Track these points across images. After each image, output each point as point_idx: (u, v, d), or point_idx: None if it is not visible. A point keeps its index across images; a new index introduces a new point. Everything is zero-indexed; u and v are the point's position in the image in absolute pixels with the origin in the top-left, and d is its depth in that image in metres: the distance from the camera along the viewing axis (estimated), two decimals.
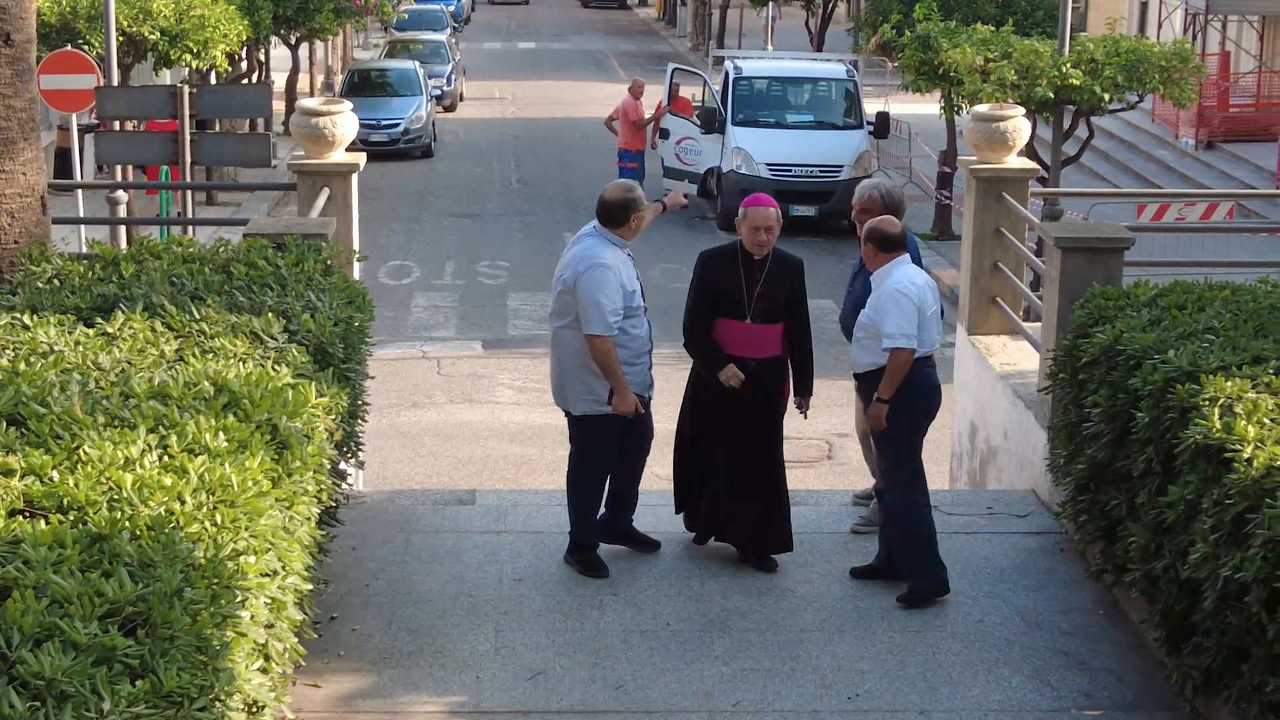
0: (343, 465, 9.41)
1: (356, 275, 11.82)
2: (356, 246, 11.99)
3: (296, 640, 7.29)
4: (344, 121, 12.07)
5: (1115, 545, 8.94)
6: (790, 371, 9.73)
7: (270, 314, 8.66)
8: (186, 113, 14.83)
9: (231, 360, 8.00)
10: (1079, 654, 8.78)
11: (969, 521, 10.60)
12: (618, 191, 9.55)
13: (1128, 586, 8.77)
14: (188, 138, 14.80)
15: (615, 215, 9.45)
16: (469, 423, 16.41)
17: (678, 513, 10.12)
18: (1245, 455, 7.25)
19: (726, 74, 28.85)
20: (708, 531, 10.01)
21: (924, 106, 31.57)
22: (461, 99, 43.64)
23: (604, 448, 9.76)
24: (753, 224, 9.48)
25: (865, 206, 10.04)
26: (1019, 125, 12.73)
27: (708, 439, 9.82)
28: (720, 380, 9.51)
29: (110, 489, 6.36)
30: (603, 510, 9.94)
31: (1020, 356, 12.30)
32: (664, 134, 28.53)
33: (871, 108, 29.98)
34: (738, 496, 9.74)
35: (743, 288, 9.49)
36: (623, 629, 8.94)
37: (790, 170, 26.68)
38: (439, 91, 39.60)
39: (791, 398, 9.81)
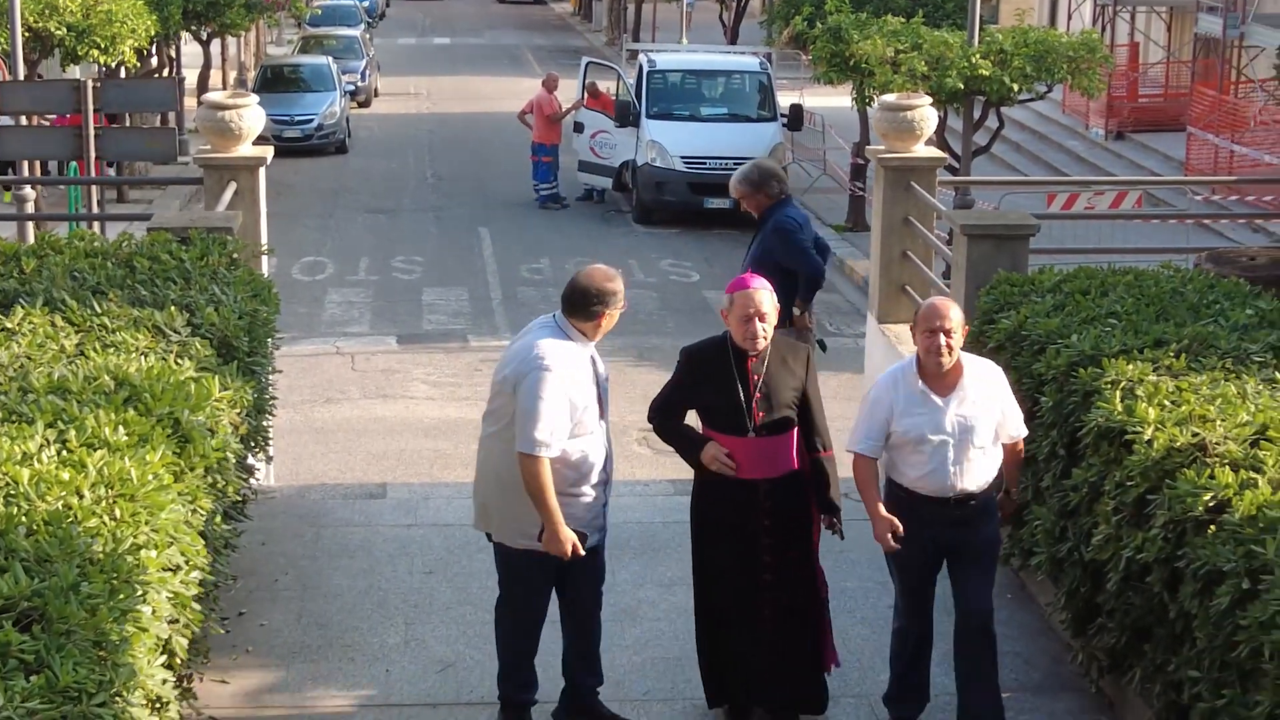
0: (250, 460, 9.36)
1: (266, 270, 11.74)
2: (265, 240, 11.90)
3: (203, 636, 7.25)
4: (250, 115, 11.96)
5: (1022, 529, 9.00)
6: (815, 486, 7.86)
7: (173, 308, 8.59)
8: (90, 107, 14.66)
9: (133, 354, 7.93)
10: None
11: None
12: (594, 278, 7.53)
13: (1034, 570, 8.83)
14: (91, 132, 14.64)
15: (579, 305, 7.48)
16: (383, 418, 16.32)
17: (712, 708, 8.06)
18: (1146, 437, 7.32)
19: (640, 67, 28.85)
20: (750, 700, 7.95)
21: (837, 99, 31.67)
22: (376, 94, 43.41)
23: (531, 593, 7.75)
24: (742, 312, 7.53)
25: (740, 195, 10.87)
26: (926, 114, 12.79)
27: (727, 589, 7.80)
28: (706, 466, 7.68)
29: (6, 484, 6.29)
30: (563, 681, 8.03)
31: None
32: (579, 128, 28.51)
33: (785, 100, 30.06)
34: (775, 653, 7.79)
35: (739, 394, 7.57)
36: None
37: (705, 163, 26.70)
38: (353, 87, 39.36)
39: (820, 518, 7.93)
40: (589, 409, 7.49)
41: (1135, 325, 8.66)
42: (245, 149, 12.07)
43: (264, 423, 9.51)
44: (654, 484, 11.68)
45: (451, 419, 16.09)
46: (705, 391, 7.68)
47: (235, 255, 10.08)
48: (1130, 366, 8.01)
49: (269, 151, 12.35)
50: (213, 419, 7.62)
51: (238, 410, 8.15)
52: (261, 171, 12.13)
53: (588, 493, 7.59)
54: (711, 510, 7.77)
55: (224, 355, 8.55)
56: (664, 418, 7.85)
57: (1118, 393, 7.80)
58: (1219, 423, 7.22)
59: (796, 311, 10.89)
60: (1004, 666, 8.53)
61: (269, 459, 10.45)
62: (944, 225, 13.34)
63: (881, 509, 7.61)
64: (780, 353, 7.72)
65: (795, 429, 7.72)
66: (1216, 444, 7.03)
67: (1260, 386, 7.69)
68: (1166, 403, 7.55)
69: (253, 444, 9.07)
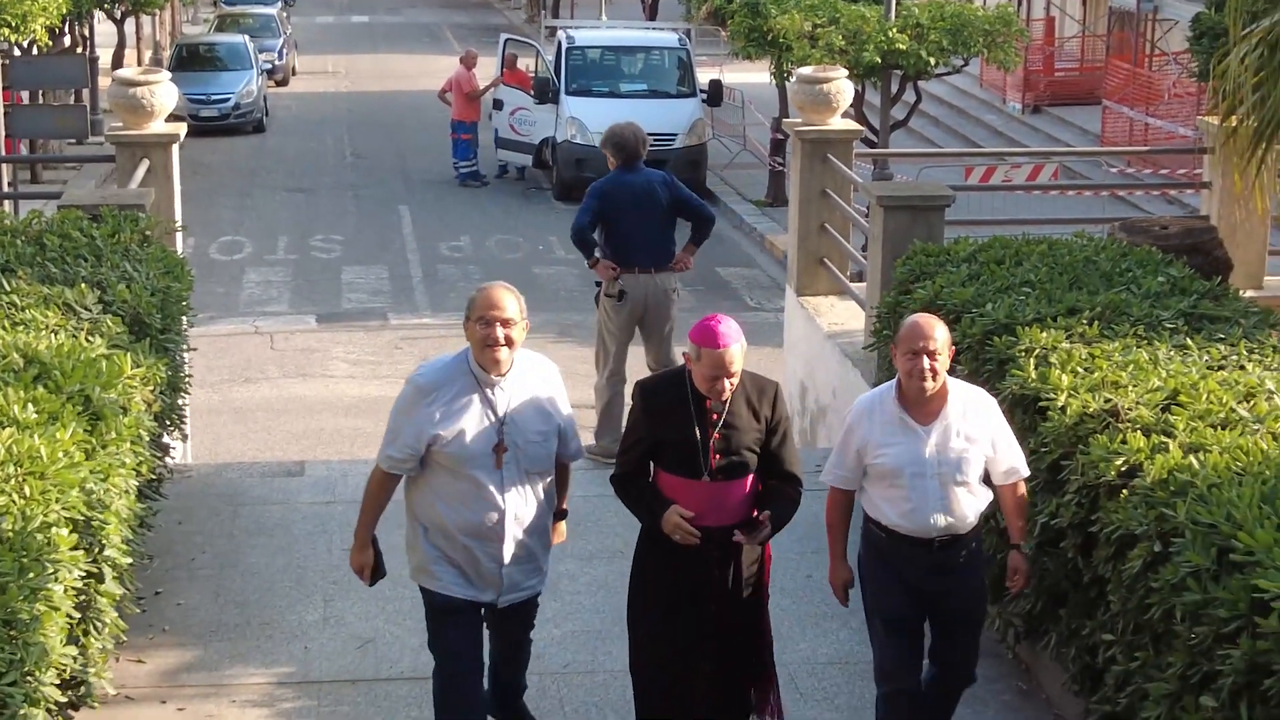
0: (165, 439, 9.27)
1: (181, 248, 11.63)
2: (179, 218, 11.78)
3: (117, 615, 7.17)
4: (162, 91, 11.84)
5: None
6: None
7: (84, 285, 8.50)
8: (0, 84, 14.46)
9: (43, 332, 7.83)
10: None
11: None
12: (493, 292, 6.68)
13: None
14: (0, 109, 14.45)
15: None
16: (302, 397, 16.24)
17: None
18: (1059, 403, 7.38)
19: (559, 44, 28.76)
20: None
21: (756, 74, 31.70)
22: (294, 73, 43.07)
23: (441, 638, 6.93)
24: (710, 370, 6.68)
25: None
26: (842, 87, 12.81)
27: (665, 641, 6.95)
28: (665, 533, 6.78)
29: None
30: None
31: (848, 316, 12.40)
32: (498, 105, 28.40)
33: (705, 76, 30.05)
34: (712, 707, 7.05)
35: (695, 434, 6.77)
36: None
37: None
38: (270, 66, 39.02)
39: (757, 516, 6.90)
40: (468, 446, 6.54)
41: (1049, 294, 8.71)
42: (158, 126, 11.95)
43: (179, 401, 9.42)
44: None
45: (372, 397, 16.03)
46: (664, 430, 6.82)
47: (148, 232, 9.98)
48: (1044, 334, 8.06)
49: (182, 128, 12.23)
50: (125, 396, 7.54)
51: (151, 388, 8.07)
52: (175, 148, 12.00)
53: (470, 545, 6.67)
54: (658, 557, 6.88)
55: (136, 332, 8.46)
56: (625, 469, 6.95)
57: (1032, 360, 7.85)
58: (1131, 389, 7.27)
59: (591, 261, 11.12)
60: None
61: (185, 437, 10.35)
62: (861, 198, 13.38)
63: (842, 556, 6.85)
64: (744, 392, 6.83)
65: (752, 475, 6.87)
66: (1129, 409, 7.09)
67: (1171, 353, 7.75)
68: (1079, 369, 7.60)
69: (167, 422, 8.99)
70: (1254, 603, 5.53)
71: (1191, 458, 6.50)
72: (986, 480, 6.89)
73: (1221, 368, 7.54)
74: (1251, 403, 7.01)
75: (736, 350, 6.71)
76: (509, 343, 6.52)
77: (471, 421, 6.57)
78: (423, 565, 6.82)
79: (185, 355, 9.86)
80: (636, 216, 10.87)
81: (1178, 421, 6.86)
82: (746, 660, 7.05)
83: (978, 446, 6.75)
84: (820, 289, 12.98)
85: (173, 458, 9.89)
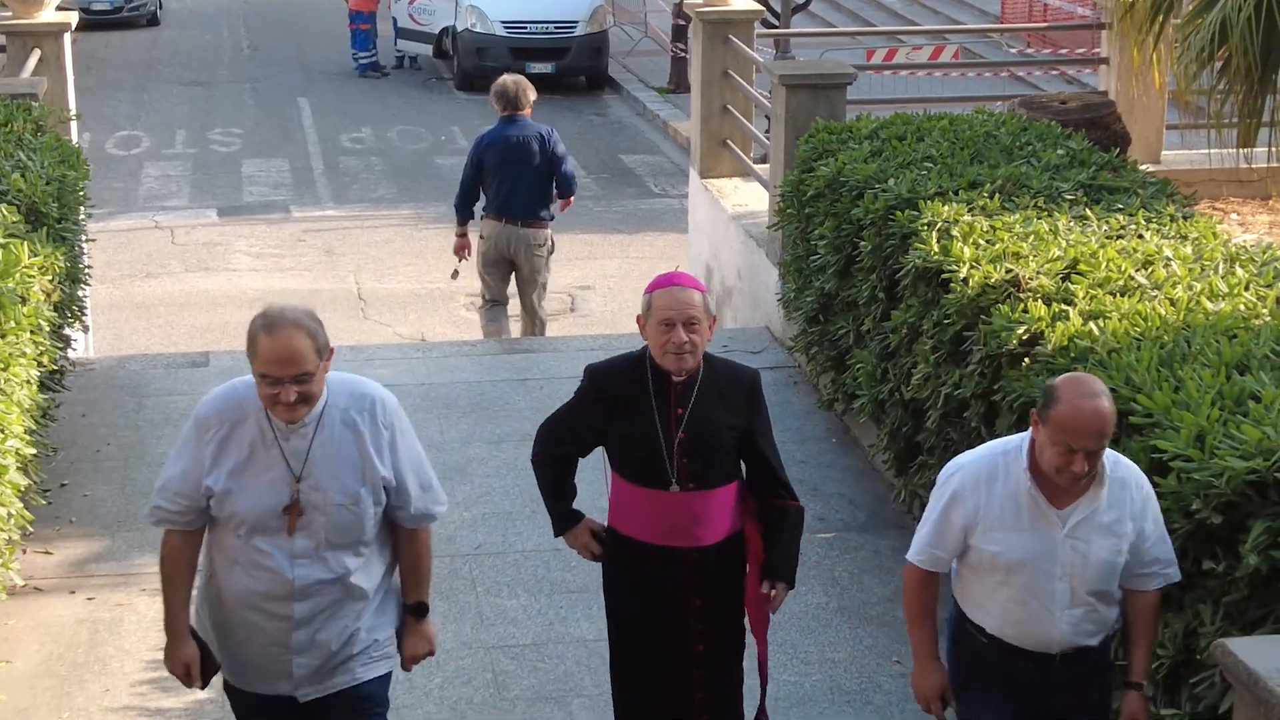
0: (66, 330, 9.17)
1: (75, 139, 11.43)
2: (73, 108, 11.57)
3: (23, 506, 7.11)
4: None
5: (844, 374, 9.12)
6: (753, 551, 5.82)
7: None
8: None
9: None
10: (812, 481, 8.96)
11: None
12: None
13: (857, 413, 8.95)
14: None
15: None
16: (205, 291, 16.05)
17: None
18: (962, 275, 7.42)
19: None
20: None
21: None
22: None
23: None
24: (663, 315, 5.50)
25: None
26: None
27: (648, 682, 5.87)
28: (571, 547, 5.99)
29: None
30: None
31: (751, 197, 12.40)
32: None
33: None
34: None
35: (657, 432, 5.59)
36: None
37: (525, 27, 26.38)
38: None
39: (762, 586, 5.79)
40: (257, 513, 5.02)
41: (950, 168, 8.74)
42: (48, 15, 11.72)
43: (79, 292, 9.31)
44: (481, 344, 11.62)
45: (276, 289, 15.88)
46: (614, 426, 5.67)
47: (41, 122, 9.80)
48: (946, 208, 8.09)
49: (73, 17, 12.02)
50: (23, 286, 7.44)
51: (49, 277, 7.96)
52: (66, 37, 11.78)
53: (257, 622, 5.13)
54: (627, 585, 5.81)
55: (32, 222, 8.33)
56: (547, 452, 5.87)
57: (934, 234, 7.88)
58: (1032, 259, 7.32)
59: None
60: (830, 508, 8.69)
61: (86, 329, 10.24)
62: (764, 80, 13.35)
63: (934, 655, 5.34)
64: (715, 382, 5.67)
65: (735, 483, 5.75)
66: (1029, 279, 7.14)
67: (1071, 223, 7.81)
68: (981, 241, 7.64)
69: (68, 313, 8.88)
70: (1153, 463, 5.61)
71: (1091, 325, 6.57)
72: None
73: (1120, 237, 7.60)
74: (1149, 270, 7.08)
75: (697, 297, 5.53)
76: (307, 399, 4.89)
77: (255, 472, 4.99)
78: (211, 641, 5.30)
79: (84, 246, 9.73)
80: (511, 169, 11.26)
81: (1078, 290, 6.92)
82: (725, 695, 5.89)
83: (1124, 540, 5.14)
84: (724, 171, 12.96)
85: (74, 350, 9.78)
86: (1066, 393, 4.96)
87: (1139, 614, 5.23)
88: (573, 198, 11.69)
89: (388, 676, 5.37)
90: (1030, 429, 5.11)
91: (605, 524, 5.88)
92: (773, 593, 5.73)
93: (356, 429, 5.06)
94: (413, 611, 5.34)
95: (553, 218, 11.58)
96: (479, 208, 11.70)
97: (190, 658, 5.22)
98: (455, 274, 11.91)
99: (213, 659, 5.26)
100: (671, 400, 5.60)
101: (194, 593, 5.25)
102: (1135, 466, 5.28)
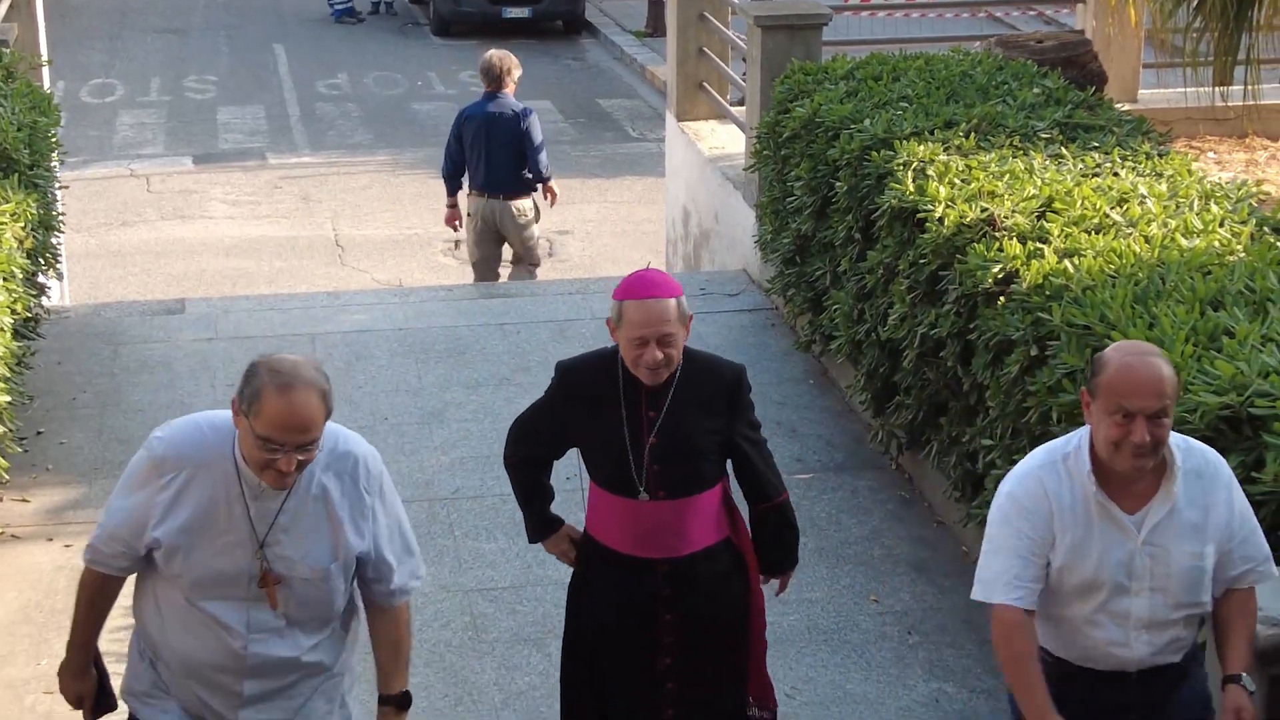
0: (40, 278, 9.12)
1: (48, 85, 11.35)
2: (45, 54, 11.48)
3: None
4: None
5: (821, 315, 9.12)
6: (751, 553, 5.41)
7: None
8: None
9: None
10: (790, 422, 8.96)
11: None
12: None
13: (834, 354, 8.96)
14: None
15: None
16: (181, 239, 15.97)
17: None
18: (937, 215, 7.40)
19: None
20: None
21: None
22: None
23: None
24: (635, 333, 5.00)
25: None
26: None
27: (587, 675, 5.43)
28: (550, 553, 5.55)
29: None
30: None
31: (728, 140, 12.36)
32: None
33: None
34: None
35: (624, 436, 5.10)
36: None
37: None
38: None
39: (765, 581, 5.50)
40: (215, 578, 4.40)
41: (926, 108, 8.72)
42: None
43: (53, 240, 9.26)
44: (458, 288, 11.60)
45: (252, 237, 15.82)
46: (585, 427, 5.21)
47: (11, 68, 9.72)
48: (921, 148, 8.07)
49: None
50: None
51: (21, 224, 7.91)
52: None
53: (197, 691, 4.54)
54: (596, 593, 5.35)
55: (3, 168, 8.28)
56: (518, 455, 5.41)
57: (910, 174, 7.86)
58: (1007, 198, 7.31)
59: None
60: (807, 449, 8.69)
61: (60, 277, 10.18)
62: (740, 22, 13.28)
63: (1051, 710, 4.39)
64: (694, 382, 5.12)
65: (717, 488, 5.24)
66: (1005, 218, 7.13)
67: (1046, 161, 7.80)
68: (957, 181, 7.63)
69: (41, 260, 8.84)
70: None
71: (1066, 262, 6.56)
72: None
73: (1096, 175, 7.59)
74: (1125, 207, 7.08)
75: (672, 308, 4.97)
76: (304, 466, 4.29)
77: (213, 532, 4.37)
78: (131, 687, 4.66)
79: (57, 193, 9.67)
80: (489, 143, 11.35)
81: (1053, 228, 6.91)
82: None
83: (1208, 543, 4.46)
84: (700, 114, 12.91)
85: (49, 298, 9.73)
86: (1115, 354, 4.38)
87: (1232, 610, 4.49)
88: (551, 185, 11.65)
89: None
90: (1085, 423, 4.44)
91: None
92: (777, 582, 5.52)
93: (332, 494, 4.40)
94: (395, 703, 4.66)
95: (534, 188, 11.59)
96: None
97: (86, 690, 4.70)
98: (457, 245, 11.93)
99: (109, 698, 4.76)
100: (643, 403, 5.08)
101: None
102: (1211, 452, 4.55)
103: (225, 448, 4.34)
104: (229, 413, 4.33)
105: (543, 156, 11.44)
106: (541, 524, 5.47)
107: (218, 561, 4.37)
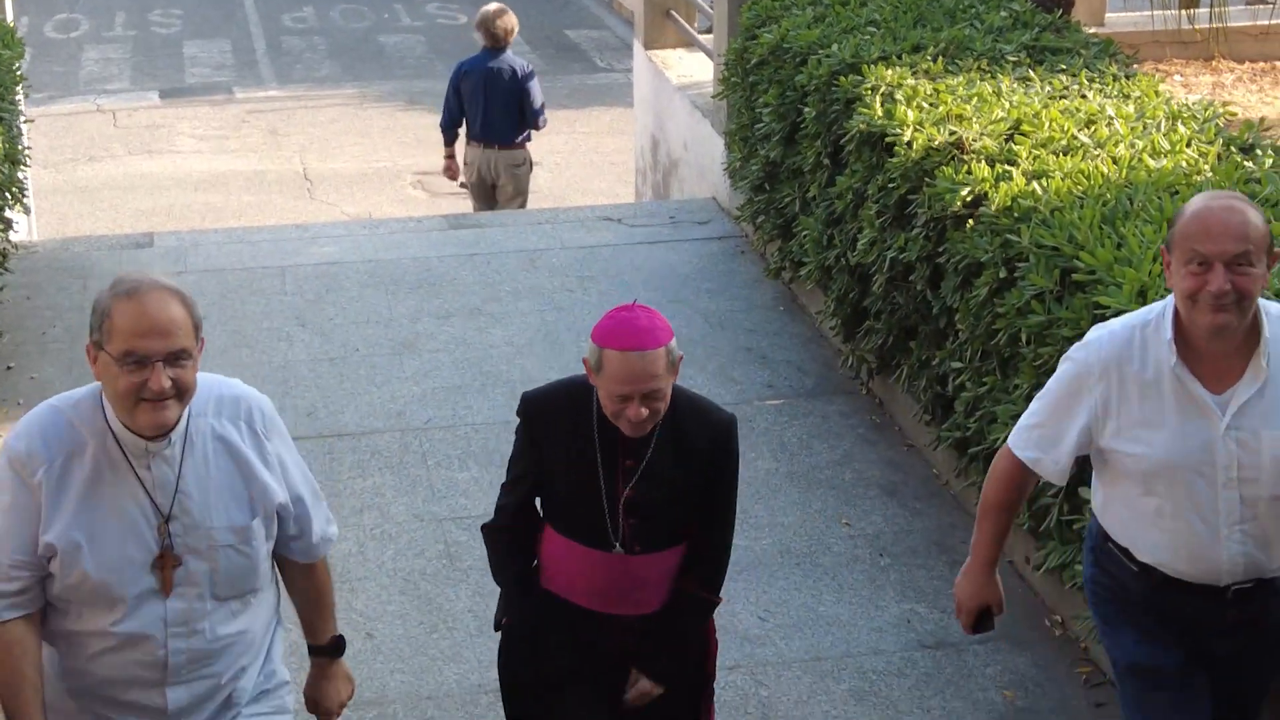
0: (8, 213, 9.06)
1: (12, 21, 11.23)
2: None
3: None
4: None
5: (791, 242, 9.10)
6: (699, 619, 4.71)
7: None
8: None
9: None
10: (760, 349, 8.96)
11: (652, 231, 10.67)
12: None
13: (804, 280, 8.95)
14: None
15: None
16: (149, 173, 15.86)
17: None
18: (906, 139, 7.38)
19: None
20: None
21: None
22: None
23: None
24: (617, 389, 4.28)
25: None
26: None
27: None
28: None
29: None
30: None
31: (696, 68, 12.30)
32: None
33: None
34: None
35: (600, 487, 4.45)
36: (311, 358, 8.84)
37: None
38: None
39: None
40: (115, 573, 3.78)
41: (894, 32, 8.68)
42: None
43: (19, 174, 9.19)
44: (428, 219, 11.54)
45: (220, 171, 15.73)
46: (553, 468, 4.51)
47: None
48: (889, 72, 8.03)
49: None
50: None
51: None
52: None
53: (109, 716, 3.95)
54: (551, 643, 4.62)
55: None
56: (501, 533, 4.69)
57: (878, 98, 7.83)
58: (975, 121, 7.29)
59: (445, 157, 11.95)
60: (778, 375, 8.70)
61: (28, 211, 10.10)
62: None
63: (989, 565, 4.40)
64: (679, 430, 4.45)
65: (683, 544, 4.60)
66: (973, 141, 7.12)
67: (1014, 84, 7.77)
68: (925, 105, 7.60)
69: (8, 195, 8.77)
70: (1096, 319, 5.62)
71: (1035, 184, 6.56)
72: None
73: (1063, 97, 7.57)
74: (1092, 129, 7.06)
75: (661, 360, 4.26)
76: (181, 390, 3.69)
77: (107, 516, 3.77)
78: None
79: (22, 127, 9.59)
80: (488, 96, 11.54)
81: (1021, 150, 6.90)
82: None
83: None
84: (668, 43, 12.83)
85: (16, 233, 9.66)
86: (1194, 201, 3.95)
87: None
88: (541, 127, 11.86)
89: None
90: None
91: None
92: (640, 685, 4.59)
93: (235, 444, 3.87)
94: (329, 651, 4.29)
95: (529, 138, 11.82)
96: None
97: None
98: (462, 184, 12.06)
99: None
100: (620, 450, 4.42)
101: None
102: None
103: (95, 421, 3.76)
104: (86, 387, 3.82)
105: (542, 119, 11.68)
106: (517, 598, 4.67)
107: (122, 549, 3.77)
